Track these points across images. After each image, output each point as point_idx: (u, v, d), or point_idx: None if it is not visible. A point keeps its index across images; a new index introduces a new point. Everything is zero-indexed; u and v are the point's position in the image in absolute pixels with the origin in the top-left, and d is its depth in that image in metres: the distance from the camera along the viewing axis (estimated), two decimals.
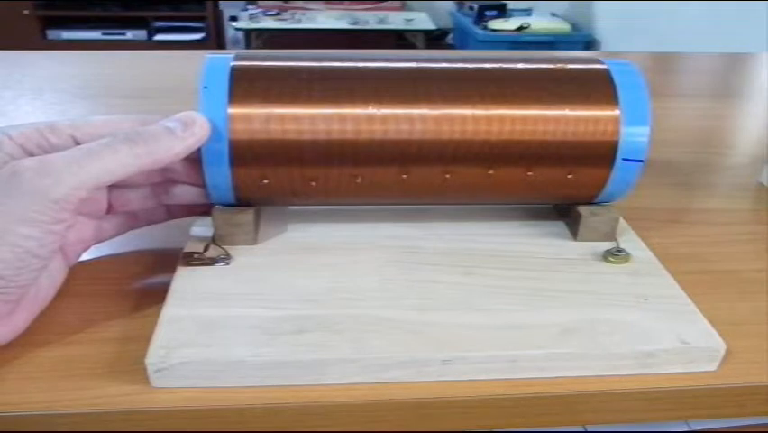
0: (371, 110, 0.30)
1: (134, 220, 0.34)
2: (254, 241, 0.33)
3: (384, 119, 0.31)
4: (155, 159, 0.27)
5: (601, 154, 0.32)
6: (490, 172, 0.32)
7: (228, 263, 0.31)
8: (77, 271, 0.31)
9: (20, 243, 0.24)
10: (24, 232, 0.24)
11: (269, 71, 0.31)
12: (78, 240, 0.31)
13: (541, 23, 2.67)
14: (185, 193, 0.33)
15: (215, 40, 3.07)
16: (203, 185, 0.31)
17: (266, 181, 0.31)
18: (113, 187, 0.32)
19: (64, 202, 0.25)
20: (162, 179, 0.33)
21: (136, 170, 0.27)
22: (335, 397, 0.26)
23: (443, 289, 0.30)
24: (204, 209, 0.34)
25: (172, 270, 0.31)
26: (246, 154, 0.30)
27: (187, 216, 0.35)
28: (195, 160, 0.30)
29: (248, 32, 2.84)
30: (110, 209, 0.32)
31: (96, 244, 0.32)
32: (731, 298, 0.33)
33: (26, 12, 2.88)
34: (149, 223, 0.34)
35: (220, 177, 0.31)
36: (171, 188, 0.33)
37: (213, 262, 0.31)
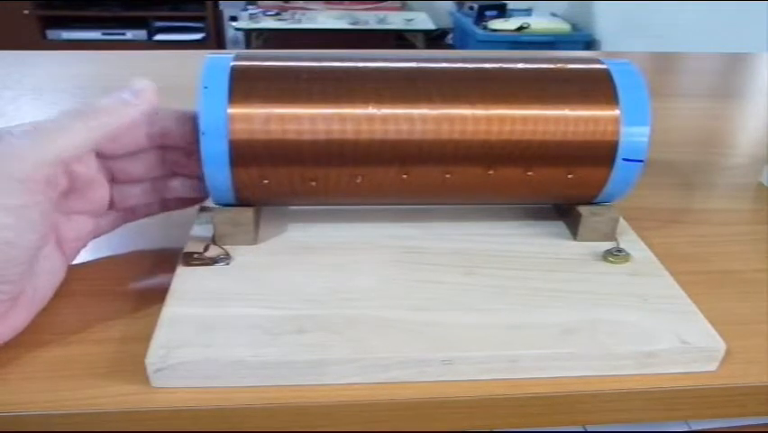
0: (371, 110, 0.30)
1: (132, 214, 0.34)
2: (254, 241, 0.33)
3: (384, 119, 0.31)
4: (109, 130, 0.27)
5: (601, 154, 0.32)
6: (490, 172, 0.32)
7: (228, 263, 0.31)
8: (77, 271, 0.31)
9: None
10: None
11: (269, 71, 0.31)
12: (76, 237, 0.31)
13: (541, 23, 2.66)
14: (184, 186, 0.34)
15: (215, 40, 3.07)
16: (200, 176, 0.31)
17: (266, 181, 0.31)
18: (114, 183, 0.32)
19: (30, 182, 0.25)
20: (162, 172, 0.33)
21: (93, 144, 0.27)
22: (335, 397, 0.26)
23: (443, 289, 0.30)
24: (198, 201, 0.34)
25: (172, 270, 0.31)
26: (246, 154, 0.30)
27: (182, 207, 0.35)
28: (192, 152, 0.31)
29: (248, 32, 2.84)
30: (110, 206, 0.32)
31: (93, 239, 0.32)
32: (731, 298, 0.33)
33: (26, 12, 2.88)
34: (145, 216, 0.34)
35: (220, 177, 0.31)
36: (171, 182, 0.33)
37: (213, 262, 0.31)
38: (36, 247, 0.26)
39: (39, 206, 0.25)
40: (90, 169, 0.30)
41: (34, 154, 0.25)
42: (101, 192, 0.31)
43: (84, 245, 0.32)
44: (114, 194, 0.32)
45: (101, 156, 0.31)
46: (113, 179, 0.32)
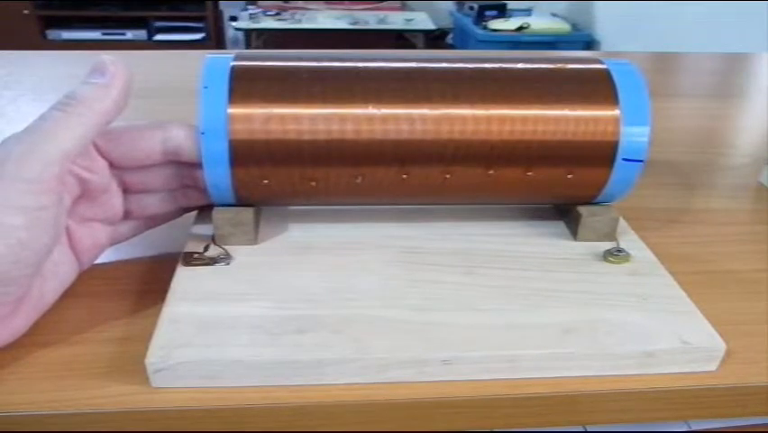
0: (371, 110, 0.30)
1: (152, 222, 0.34)
2: (254, 241, 0.33)
3: (384, 119, 0.31)
4: (100, 116, 0.27)
5: (601, 154, 0.32)
6: (490, 172, 0.32)
7: (228, 263, 0.31)
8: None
9: (10, 234, 0.24)
10: (12, 221, 0.24)
11: (269, 71, 0.31)
12: (92, 244, 0.31)
13: (541, 22, 2.67)
14: (203, 196, 0.33)
15: (215, 40, 3.07)
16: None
17: (266, 181, 0.31)
18: (129, 193, 0.32)
19: (41, 183, 0.25)
20: (179, 184, 0.33)
21: (91, 134, 0.27)
22: (335, 397, 0.26)
23: (443, 289, 0.30)
24: None
25: (172, 270, 0.31)
26: (246, 154, 0.30)
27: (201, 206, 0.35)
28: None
29: (248, 32, 2.84)
30: (128, 215, 0.32)
31: (111, 245, 0.32)
32: (731, 298, 0.33)
33: (26, 12, 2.88)
34: (165, 222, 0.34)
35: (220, 177, 0.31)
36: (188, 192, 0.33)
37: (213, 261, 0.31)
38: (47, 250, 0.26)
39: (52, 207, 0.25)
40: (103, 177, 0.30)
41: (40, 154, 0.25)
42: (114, 200, 0.31)
43: (101, 252, 0.32)
44: (131, 203, 0.32)
45: (114, 167, 0.31)
46: (128, 189, 0.32)
